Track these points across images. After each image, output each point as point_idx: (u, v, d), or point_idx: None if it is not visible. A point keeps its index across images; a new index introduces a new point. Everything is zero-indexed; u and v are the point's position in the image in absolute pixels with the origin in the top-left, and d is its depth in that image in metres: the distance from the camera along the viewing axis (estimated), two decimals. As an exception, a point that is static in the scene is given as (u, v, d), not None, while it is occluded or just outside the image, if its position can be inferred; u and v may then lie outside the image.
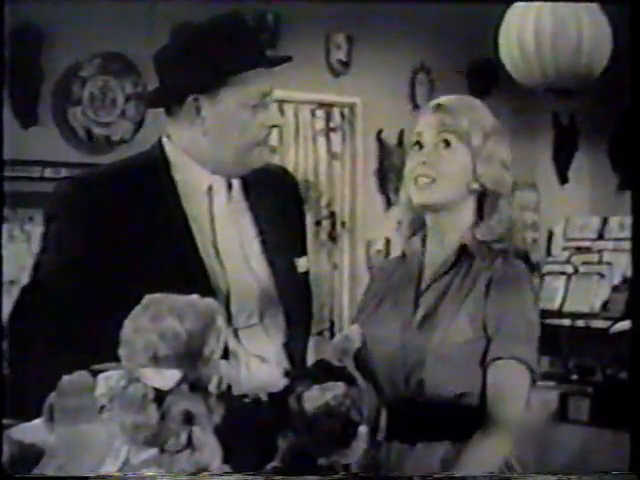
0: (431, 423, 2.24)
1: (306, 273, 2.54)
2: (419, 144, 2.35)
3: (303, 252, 2.55)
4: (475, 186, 2.33)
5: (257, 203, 2.47)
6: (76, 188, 2.40)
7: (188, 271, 2.30)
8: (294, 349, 2.43)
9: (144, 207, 2.32)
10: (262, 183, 2.48)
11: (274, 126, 2.42)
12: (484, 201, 2.34)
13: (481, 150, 2.32)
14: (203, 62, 2.33)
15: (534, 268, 2.37)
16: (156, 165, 2.41)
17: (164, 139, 2.43)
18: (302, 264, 2.52)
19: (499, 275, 2.27)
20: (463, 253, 2.33)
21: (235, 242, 2.41)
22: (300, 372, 2.10)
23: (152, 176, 2.39)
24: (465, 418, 2.21)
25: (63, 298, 2.27)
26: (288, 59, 2.44)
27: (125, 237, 2.28)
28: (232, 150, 2.38)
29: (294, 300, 2.46)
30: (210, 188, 2.40)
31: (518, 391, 2.24)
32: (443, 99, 2.39)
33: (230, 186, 2.43)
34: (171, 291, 1.83)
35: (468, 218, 2.34)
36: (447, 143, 2.32)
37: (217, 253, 2.37)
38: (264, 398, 1.96)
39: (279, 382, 2.21)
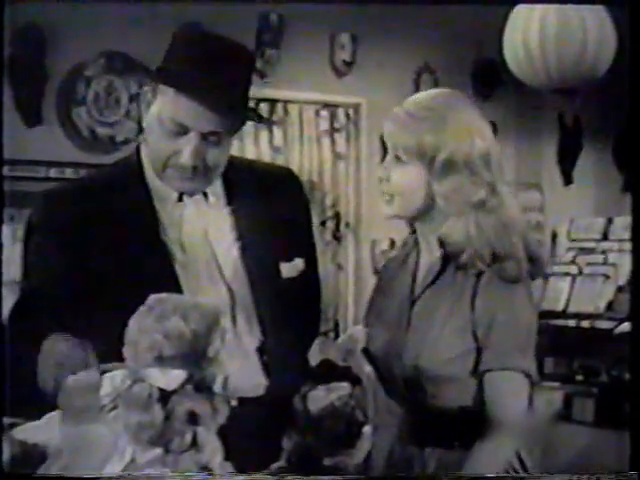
0: (435, 430, 2.21)
1: (294, 278, 2.39)
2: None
3: (302, 254, 2.41)
4: (437, 202, 2.19)
5: (242, 208, 2.35)
6: (51, 201, 2.36)
7: (161, 281, 2.20)
8: (271, 355, 2.32)
9: (120, 217, 2.25)
10: (255, 186, 2.38)
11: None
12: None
13: (436, 163, 2.16)
14: (171, 59, 2.24)
15: (536, 274, 2.23)
16: (132, 172, 2.32)
17: (142, 143, 2.34)
18: (289, 268, 2.38)
19: (485, 283, 2.17)
20: (447, 262, 2.22)
21: (205, 251, 2.32)
22: (305, 372, 2.09)
23: (128, 184, 2.31)
24: (467, 426, 2.18)
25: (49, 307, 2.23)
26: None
27: (103, 247, 2.23)
28: (159, 162, 2.27)
29: (272, 306, 2.33)
30: (180, 198, 2.31)
31: (515, 398, 2.19)
32: (398, 109, 2.21)
33: (205, 194, 2.32)
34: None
35: (442, 227, 2.21)
36: (399, 159, 2.19)
37: (186, 263, 2.29)
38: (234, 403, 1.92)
39: (248, 388, 2.18)
